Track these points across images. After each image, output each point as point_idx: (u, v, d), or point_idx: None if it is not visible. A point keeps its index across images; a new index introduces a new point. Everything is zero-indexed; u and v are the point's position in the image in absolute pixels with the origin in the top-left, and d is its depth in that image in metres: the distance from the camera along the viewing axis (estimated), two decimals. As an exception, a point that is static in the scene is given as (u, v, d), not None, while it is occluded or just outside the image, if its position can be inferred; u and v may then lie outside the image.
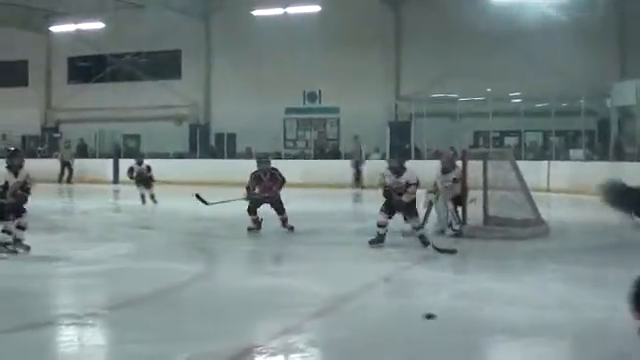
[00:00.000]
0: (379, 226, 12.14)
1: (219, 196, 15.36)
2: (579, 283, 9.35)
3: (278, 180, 14.54)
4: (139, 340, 6.50)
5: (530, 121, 28.70)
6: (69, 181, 32.17)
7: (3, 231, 11.34)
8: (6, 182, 11.30)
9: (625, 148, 25.94)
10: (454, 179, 13.73)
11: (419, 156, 28.50)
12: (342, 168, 28.82)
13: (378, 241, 12.13)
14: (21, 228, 11.47)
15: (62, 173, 32.36)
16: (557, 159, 26.42)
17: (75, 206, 23.22)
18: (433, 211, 13.82)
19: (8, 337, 6.67)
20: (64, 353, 6.43)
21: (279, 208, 14.36)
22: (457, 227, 13.49)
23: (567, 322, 7.28)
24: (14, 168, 11.49)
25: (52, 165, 32.17)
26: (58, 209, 20.01)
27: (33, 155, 37.19)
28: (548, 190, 23.39)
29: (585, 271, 10.26)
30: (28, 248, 11.42)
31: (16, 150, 12.18)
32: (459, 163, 14.07)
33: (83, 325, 7.23)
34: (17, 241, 11.42)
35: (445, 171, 13.91)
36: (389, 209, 12.10)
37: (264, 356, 6.12)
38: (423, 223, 13.05)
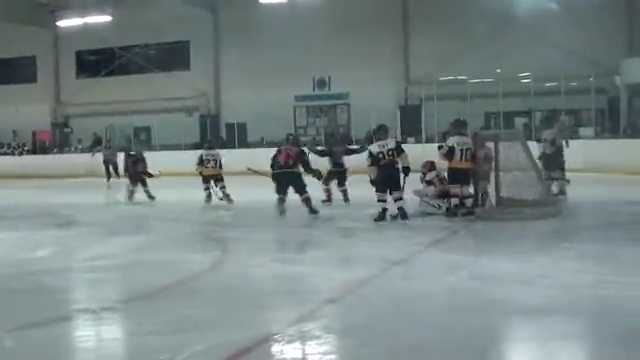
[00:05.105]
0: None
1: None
2: (592, 261, 9.36)
3: (293, 151, 14.89)
4: (155, 332, 6.51)
5: (540, 101, 28.63)
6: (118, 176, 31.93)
7: None
8: None
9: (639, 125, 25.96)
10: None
11: (430, 139, 28.43)
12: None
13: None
14: None
15: (108, 173, 32.20)
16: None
17: (88, 201, 23.28)
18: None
19: (23, 333, 6.67)
20: (80, 347, 6.43)
21: (299, 187, 14.60)
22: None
23: (581, 300, 7.29)
24: None
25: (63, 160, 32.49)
26: (71, 204, 20.05)
27: (44, 151, 37.46)
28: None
29: (597, 249, 10.25)
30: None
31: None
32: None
33: (99, 319, 7.25)
34: None
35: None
36: None
37: (280, 344, 6.10)
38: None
